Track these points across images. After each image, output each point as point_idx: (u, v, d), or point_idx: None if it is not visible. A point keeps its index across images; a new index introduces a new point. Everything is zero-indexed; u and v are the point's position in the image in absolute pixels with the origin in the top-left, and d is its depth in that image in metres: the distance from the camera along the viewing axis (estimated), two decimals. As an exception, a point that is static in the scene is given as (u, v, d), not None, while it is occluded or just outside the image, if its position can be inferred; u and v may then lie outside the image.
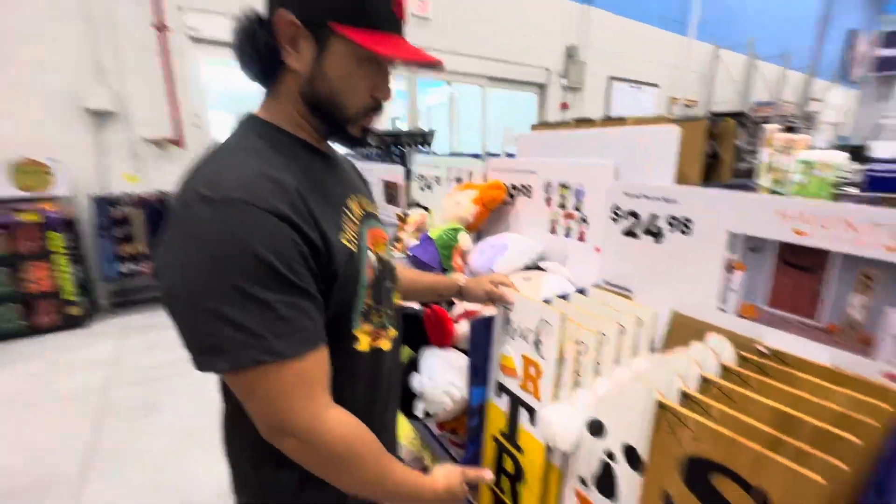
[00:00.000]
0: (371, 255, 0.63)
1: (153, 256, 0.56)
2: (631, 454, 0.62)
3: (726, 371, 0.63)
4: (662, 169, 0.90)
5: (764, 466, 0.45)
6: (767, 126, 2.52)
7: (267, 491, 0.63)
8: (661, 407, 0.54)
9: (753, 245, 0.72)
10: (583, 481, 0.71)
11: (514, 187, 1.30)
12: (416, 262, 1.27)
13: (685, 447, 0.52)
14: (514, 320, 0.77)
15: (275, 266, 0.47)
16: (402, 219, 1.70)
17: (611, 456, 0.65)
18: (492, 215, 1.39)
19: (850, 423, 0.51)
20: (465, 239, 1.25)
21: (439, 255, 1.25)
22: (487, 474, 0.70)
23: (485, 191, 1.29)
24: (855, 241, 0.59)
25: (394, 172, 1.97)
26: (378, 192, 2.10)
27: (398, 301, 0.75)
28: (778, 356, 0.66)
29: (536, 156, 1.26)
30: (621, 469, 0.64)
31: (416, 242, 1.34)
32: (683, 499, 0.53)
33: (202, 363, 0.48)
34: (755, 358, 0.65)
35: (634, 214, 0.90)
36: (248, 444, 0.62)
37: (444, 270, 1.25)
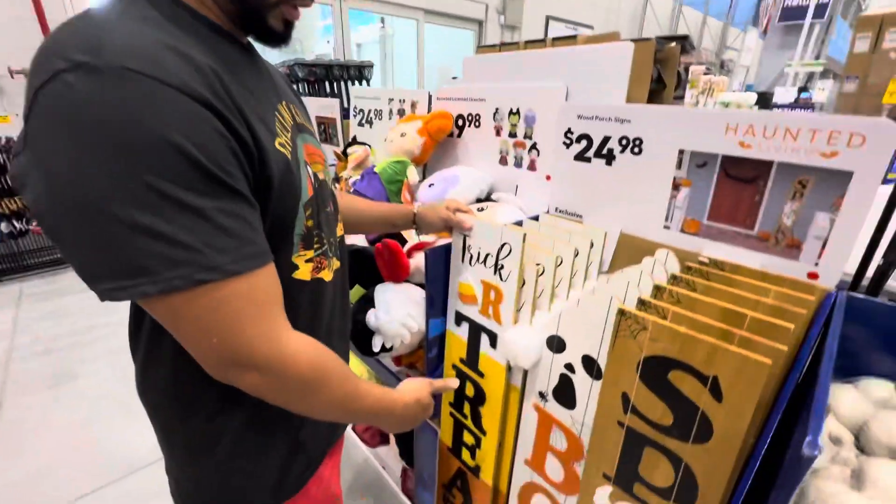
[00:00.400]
0: (309, 171, 0.53)
1: (13, 162, 0.38)
2: (589, 364, 0.65)
3: (674, 279, 0.66)
4: (615, 90, 0.89)
5: (717, 356, 0.48)
6: (693, 69, 2.62)
7: (200, 446, 0.55)
8: (622, 313, 0.55)
9: (700, 161, 0.74)
10: (542, 395, 0.73)
11: (462, 117, 1.24)
12: (361, 200, 1.19)
13: (644, 349, 0.54)
14: (472, 246, 0.74)
15: (200, 162, 0.36)
16: (342, 157, 1.58)
17: (570, 368, 0.68)
18: (438, 149, 1.33)
19: (783, 314, 0.56)
20: (413, 173, 1.19)
21: (385, 190, 1.18)
22: (453, 382, 0.70)
23: (430, 120, 1.21)
24: (793, 150, 0.62)
25: (329, 107, 1.81)
26: (311, 131, 1.92)
27: (341, 230, 0.68)
28: (716, 264, 0.71)
29: (483, 81, 1.19)
30: (580, 379, 0.67)
31: (359, 178, 1.25)
32: (642, 397, 0.56)
33: (114, 290, 0.36)
34: (697, 266, 0.69)
35: (587, 138, 0.89)
36: (169, 393, 0.53)
37: (392, 207, 1.19)
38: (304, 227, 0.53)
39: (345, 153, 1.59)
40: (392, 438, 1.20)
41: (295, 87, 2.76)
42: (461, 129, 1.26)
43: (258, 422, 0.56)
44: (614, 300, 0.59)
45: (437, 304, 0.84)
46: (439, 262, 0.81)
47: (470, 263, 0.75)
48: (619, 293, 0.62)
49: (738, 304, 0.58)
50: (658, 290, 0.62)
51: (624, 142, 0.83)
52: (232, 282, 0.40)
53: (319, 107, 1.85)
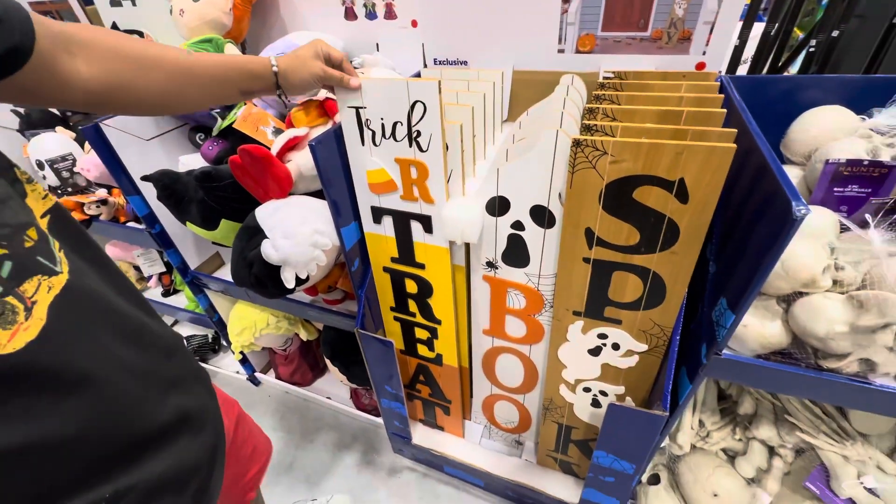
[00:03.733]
0: None
1: None
2: (539, 214, 0.60)
3: (596, 99, 0.61)
4: None
5: (682, 157, 0.46)
6: None
7: None
8: (578, 144, 0.49)
9: (589, -43, 0.65)
10: (490, 265, 0.69)
11: (273, -39, 0.90)
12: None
13: (606, 175, 0.50)
14: (371, 120, 0.58)
15: None
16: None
17: (518, 226, 0.62)
18: (256, 17, 0.99)
19: (704, 102, 0.56)
20: (232, 52, 0.87)
21: (205, 85, 0.85)
22: None
23: (231, -30, 0.86)
24: (688, -82, 0.57)
25: (45, -16, 1.18)
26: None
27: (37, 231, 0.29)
28: (619, 75, 0.68)
29: None
30: (531, 234, 0.62)
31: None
32: (606, 226, 0.54)
33: None
34: (608, 81, 0.66)
35: (454, -47, 0.72)
36: None
37: (214, 110, 0.87)
38: None
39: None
40: (330, 366, 1.10)
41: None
42: (277, -22, 0.93)
43: None
44: (560, 135, 0.51)
45: (343, 208, 0.68)
46: (331, 154, 0.62)
47: (374, 143, 0.59)
48: (554, 126, 0.55)
49: (667, 104, 0.57)
50: (590, 113, 0.57)
51: (501, -52, 0.68)
52: None
53: (28, -14, 1.19)
